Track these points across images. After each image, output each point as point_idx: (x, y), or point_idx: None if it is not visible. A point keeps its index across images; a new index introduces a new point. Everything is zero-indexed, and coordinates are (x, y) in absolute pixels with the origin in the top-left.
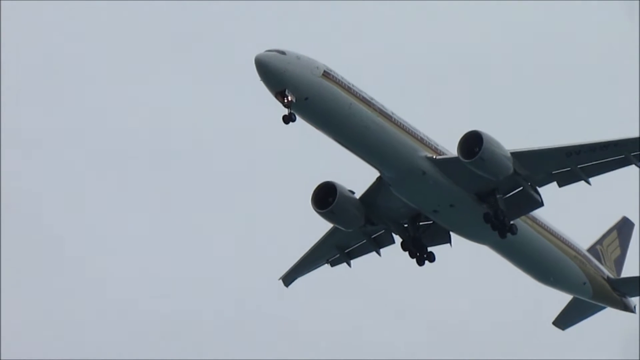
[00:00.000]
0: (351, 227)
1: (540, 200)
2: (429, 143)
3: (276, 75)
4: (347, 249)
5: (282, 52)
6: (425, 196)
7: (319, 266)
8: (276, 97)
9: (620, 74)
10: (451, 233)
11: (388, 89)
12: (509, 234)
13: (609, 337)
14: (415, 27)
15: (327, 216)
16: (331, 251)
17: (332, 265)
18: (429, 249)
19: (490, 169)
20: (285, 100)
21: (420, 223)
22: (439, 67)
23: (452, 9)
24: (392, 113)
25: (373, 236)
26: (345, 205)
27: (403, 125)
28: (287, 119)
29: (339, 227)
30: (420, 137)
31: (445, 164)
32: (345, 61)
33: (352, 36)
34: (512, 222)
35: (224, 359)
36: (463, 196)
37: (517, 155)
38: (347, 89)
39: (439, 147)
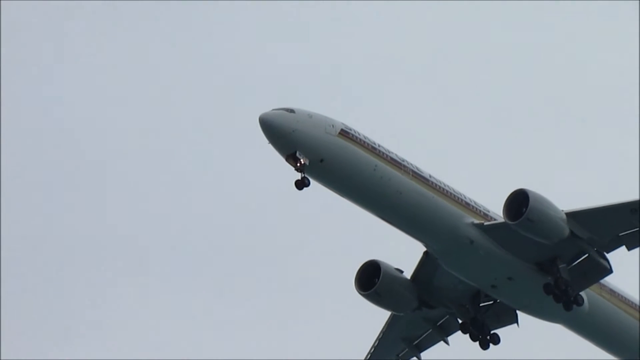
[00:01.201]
0: (402, 311)
1: (609, 267)
2: (476, 208)
3: (284, 136)
4: (415, 340)
5: (291, 110)
6: (477, 269)
7: None
8: (287, 160)
9: (620, 73)
10: (518, 311)
11: None
12: (574, 306)
13: None
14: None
15: (372, 299)
16: (398, 345)
17: None
18: (496, 330)
19: (541, 231)
20: (298, 164)
21: (482, 303)
22: None
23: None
24: (430, 176)
25: (438, 323)
26: (391, 286)
27: (443, 189)
28: (301, 184)
29: (389, 310)
30: (465, 202)
31: (495, 230)
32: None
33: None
34: (577, 293)
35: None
36: (521, 267)
37: (573, 216)
38: (371, 149)
39: (490, 213)
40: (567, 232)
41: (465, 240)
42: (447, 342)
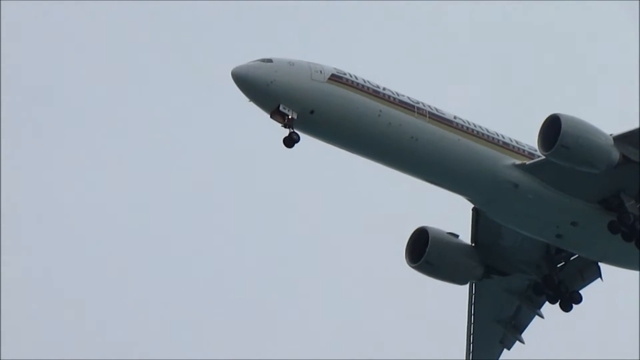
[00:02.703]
0: (465, 280)
1: None
2: (518, 148)
3: (262, 90)
4: (509, 319)
5: (268, 60)
6: (533, 218)
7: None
8: (272, 117)
9: (619, 74)
10: (600, 264)
11: None
12: None
13: None
14: None
15: (425, 270)
16: (494, 330)
17: (508, 347)
18: (581, 290)
19: (582, 158)
20: (285, 120)
21: (558, 261)
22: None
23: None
24: (455, 117)
25: (524, 293)
26: (444, 252)
27: (472, 130)
28: (289, 141)
29: (449, 281)
30: (504, 142)
31: (540, 169)
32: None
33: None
34: None
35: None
36: (582, 208)
37: (624, 137)
38: (373, 92)
39: (537, 153)
40: (617, 156)
41: (508, 185)
42: (541, 316)
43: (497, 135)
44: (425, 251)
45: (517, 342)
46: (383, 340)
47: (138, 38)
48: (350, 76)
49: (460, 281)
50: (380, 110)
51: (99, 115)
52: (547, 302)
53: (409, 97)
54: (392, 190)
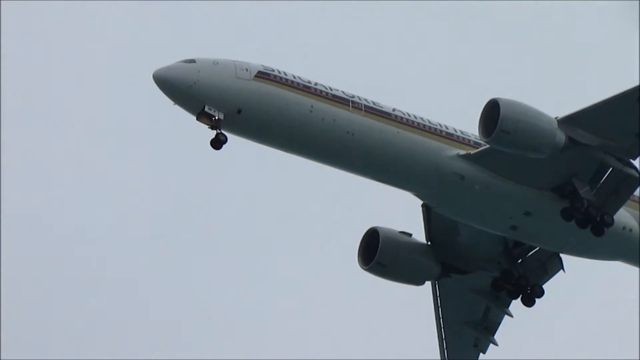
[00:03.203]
0: (421, 280)
1: (638, 176)
2: (463, 138)
3: (185, 92)
4: (479, 322)
5: (191, 61)
6: (484, 210)
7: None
8: (198, 119)
9: (619, 74)
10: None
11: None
12: (605, 229)
13: None
14: None
15: (378, 272)
16: (466, 334)
17: (483, 351)
18: (544, 284)
19: (524, 142)
20: (211, 121)
21: (519, 256)
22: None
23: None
24: (394, 109)
25: (488, 292)
26: (397, 253)
27: (412, 122)
28: (217, 143)
29: (404, 282)
30: (447, 133)
31: (486, 157)
32: None
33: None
34: (604, 213)
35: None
36: (534, 196)
37: (569, 119)
38: (304, 88)
39: (482, 141)
40: (562, 139)
41: (454, 177)
42: (510, 315)
43: (441, 126)
44: (376, 252)
45: (491, 344)
46: (353, 348)
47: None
48: (279, 72)
49: (416, 281)
50: (312, 106)
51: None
52: (514, 300)
53: (343, 92)
54: (341, 191)
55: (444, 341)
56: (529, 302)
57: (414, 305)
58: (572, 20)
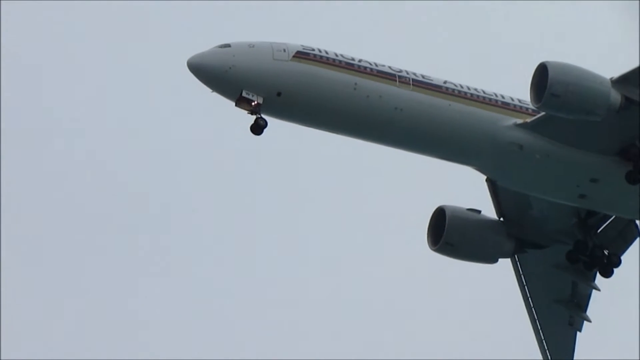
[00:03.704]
0: (494, 258)
1: None
2: (520, 107)
3: (221, 77)
4: (569, 298)
5: (226, 45)
6: (548, 179)
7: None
8: (238, 105)
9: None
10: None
11: None
12: None
13: None
14: None
15: (448, 252)
16: (558, 312)
17: (579, 328)
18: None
19: (575, 105)
20: (251, 105)
21: (594, 227)
22: None
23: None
24: (446, 82)
25: (572, 266)
26: (465, 230)
27: (465, 93)
28: (257, 128)
29: (478, 261)
30: (503, 102)
31: (544, 125)
32: None
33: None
34: None
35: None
36: (598, 162)
37: (624, 79)
38: (346, 65)
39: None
40: (617, 99)
41: (513, 147)
42: (597, 288)
43: (496, 95)
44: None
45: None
46: (439, 340)
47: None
48: (320, 51)
49: (489, 259)
50: (356, 83)
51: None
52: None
53: (390, 67)
54: (405, 172)
55: (537, 322)
56: (606, 272)
57: (499, 289)
58: (572, 20)
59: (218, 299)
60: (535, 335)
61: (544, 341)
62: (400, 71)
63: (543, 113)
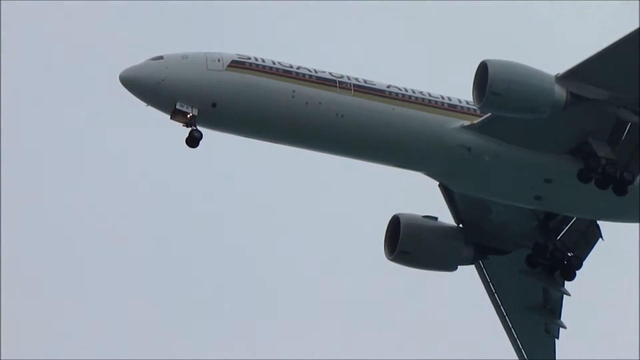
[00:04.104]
0: (453, 265)
1: None
2: (467, 109)
3: (153, 90)
4: (541, 305)
5: (159, 57)
6: (500, 182)
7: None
8: (173, 118)
9: None
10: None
11: None
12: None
13: None
14: None
15: (405, 261)
16: (533, 319)
17: (556, 335)
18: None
19: (517, 103)
20: (187, 117)
21: (555, 230)
22: None
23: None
24: (389, 86)
25: (538, 271)
26: (420, 238)
27: (409, 97)
28: (192, 141)
29: (437, 269)
30: (450, 105)
31: (491, 125)
32: None
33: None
34: (623, 171)
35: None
36: (550, 162)
37: (571, 74)
38: (284, 73)
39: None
40: (562, 95)
41: (460, 150)
42: (567, 293)
43: (443, 98)
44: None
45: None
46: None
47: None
48: (256, 59)
49: (448, 267)
50: (294, 91)
51: None
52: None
53: (330, 73)
54: (361, 181)
55: (512, 330)
56: (568, 275)
57: (469, 298)
58: (572, 21)
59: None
60: (512, 344)
61: (522, 350)
62: (342, 77)
63: (490, 114)
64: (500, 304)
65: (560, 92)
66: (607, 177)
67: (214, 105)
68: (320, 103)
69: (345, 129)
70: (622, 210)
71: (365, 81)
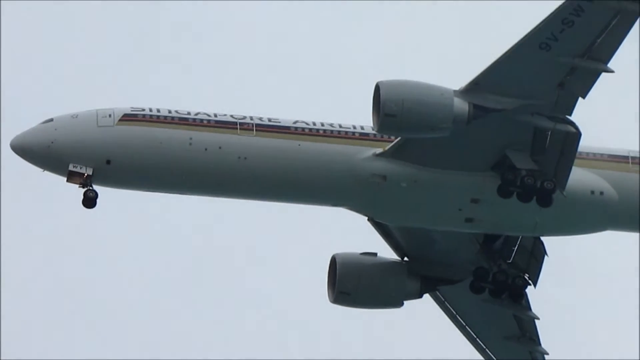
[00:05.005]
0: (399, 301)
1: (575, 130)
2: (378, 135)
3: (44, 154)
4: (518, 332)
5: (49, 120)
6: (425, 209)
7: None
8: (70, 180)
9: (619, 74)
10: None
11: None
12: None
13: None
14: None
15: (346, 302)
16: (514, 350)
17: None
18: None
19: (414, 123)
20: (83, 178)
21: (499, 253)
22: None
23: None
24: (296, 122)
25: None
26: (361, 277)
27: (317, 130)
28: (88, 201)
29: (382, 307)
30: (360, 134)
31: (402, 150)
32: None
33: None
34: (543, 180)
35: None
36: (471, 181)
37: (475, 87)
38: (180, 121)
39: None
40: (463, 109)
41: (376, 179)
42: (535, 317)
43: (355, 127)
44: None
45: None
46: None
47: None
48: (151, 110)
49: (392, 304)
50: (191, 138)
51: None
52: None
53: (232, 115)
54: (298, 223)
55: None
56: (516, 297)
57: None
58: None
59: None
60: None
61: None
62: (244, 117)
63: (399, 138)
64: (476, 337)
65: (460, 105)
66: (526, 189)
67: (108, 162)
68: (220, 147)
69: (250, 171)
70: (560, 223)
71: (270, 119)
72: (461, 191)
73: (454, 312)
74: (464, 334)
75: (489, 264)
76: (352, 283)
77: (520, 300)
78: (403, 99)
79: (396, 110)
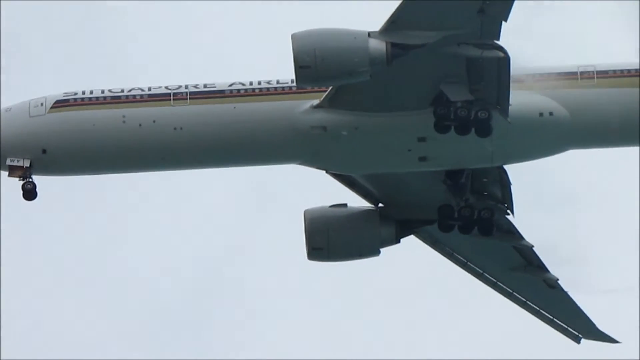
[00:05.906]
0: (376, 249)
1: (503, 54)
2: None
3: None
4: (528, 263)
5: None
6: (373, 154)
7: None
8: (11, 175)
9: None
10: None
11: None
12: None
13: None
14: None
15: (321, 257)
16: (523, 280)
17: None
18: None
19: (331, 71)
20: (22, 170)
21: (464, 185)
22: None
23: None
24: (232, 84)
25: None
26: (331, 230)
27: (253, 90)
28: (27, 194)
29: (361, 257)
30: (295, 87)
31: (336, 98)
32: None
33: None
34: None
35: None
36: (413, 120)
37: (391, 25)
38: (112, 100)
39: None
40: (380, 50)
41: (317, 131)
42: (529, 245)
43: (293, 82)
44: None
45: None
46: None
47: None
48: (83, 93)
49: (369, 252)
50: (124, 115)
51: None
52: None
53: (167, 87)
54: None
55: (515, 295)
56: (485, 230)
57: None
58: (571, 20)
59: None
60: (527, 309)
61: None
62: (179, 87)
63: (331, 87)
64: (482, 272)
65: (377, 46)
66: (461, 121)
67: (44, 151)
68: (154, 121)
69: (188, 141)
70: (515, 149)
71: (205, 85)
72: (404, 132)
73: (452, 252)
74: (469, 272)
75: (456, 201)
76: (323, 237)
77: (489, 233)
78: (315, 48)
79: (309, 61)
